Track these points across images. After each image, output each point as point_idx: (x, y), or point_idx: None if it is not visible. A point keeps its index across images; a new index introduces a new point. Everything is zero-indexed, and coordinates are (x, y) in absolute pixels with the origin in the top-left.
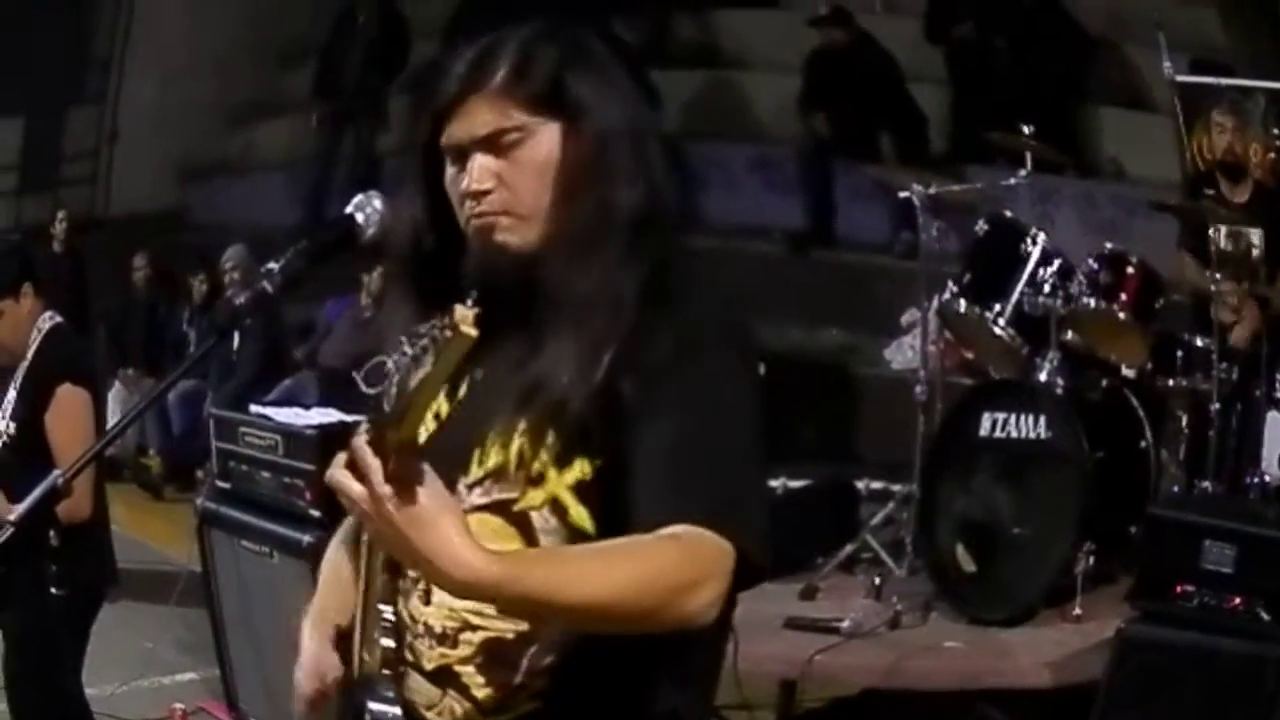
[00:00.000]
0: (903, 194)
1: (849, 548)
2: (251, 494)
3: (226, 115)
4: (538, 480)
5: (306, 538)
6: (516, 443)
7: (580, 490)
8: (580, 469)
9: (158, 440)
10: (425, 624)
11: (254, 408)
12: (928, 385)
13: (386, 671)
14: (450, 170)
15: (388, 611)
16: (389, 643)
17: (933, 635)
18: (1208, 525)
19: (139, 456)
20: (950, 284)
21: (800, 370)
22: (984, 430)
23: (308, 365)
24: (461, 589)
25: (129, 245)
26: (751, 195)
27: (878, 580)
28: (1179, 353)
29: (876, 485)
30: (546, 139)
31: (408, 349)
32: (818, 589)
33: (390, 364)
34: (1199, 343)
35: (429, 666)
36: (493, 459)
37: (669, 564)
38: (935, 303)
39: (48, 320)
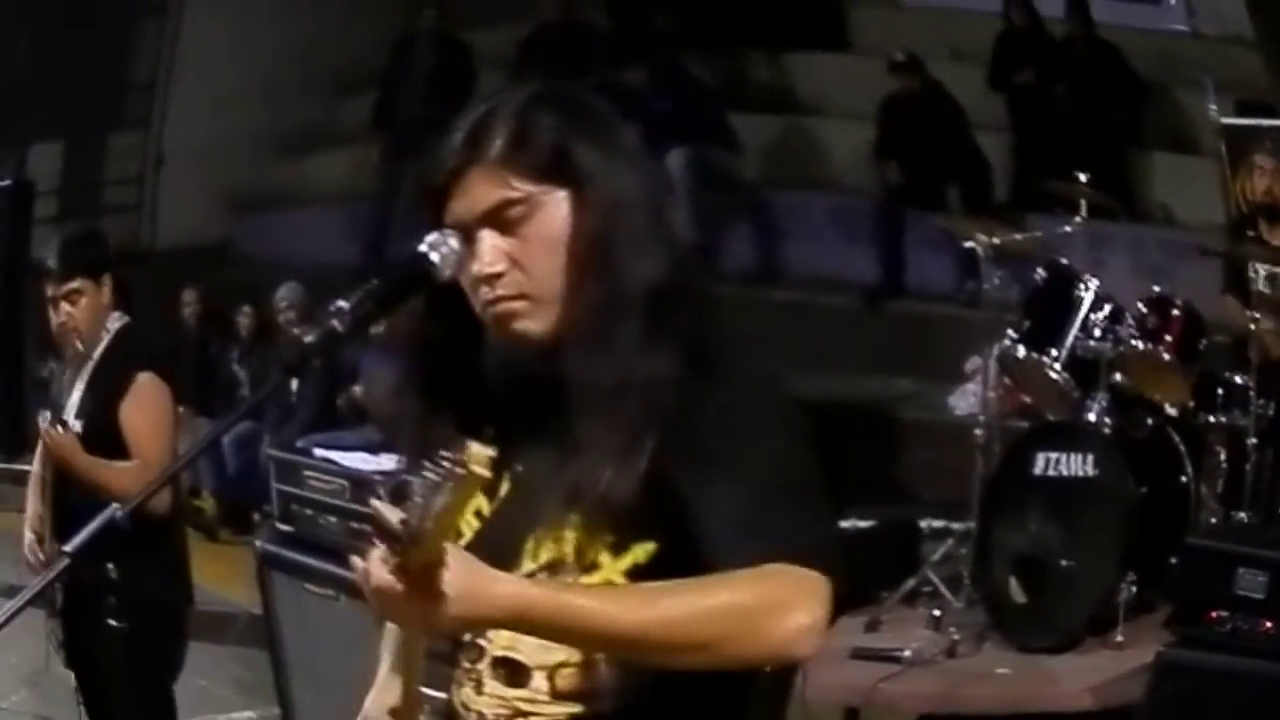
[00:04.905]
0: (967, 244)
1: (911, 582)
2: (316, 537)
3: (277, 145)
4: (591, 568)
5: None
6: (571, 538)
7: (633, 574)
8: (635, 555)
9: (211, 482)
10: (479, 713)
11: (318, 451)
12: (987, 429)
13: None
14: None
15: (438, 696)
16: None
17: (985, 663)
18: (1241, 553)
19: (191, 498)
20: (1010, 331)
21: (870, 418)
22: (1037, 469)
23: (350, 413)
24: (511, 619)
25: (176, 279)
26: (830, 247)
27: (937, 612)
28: (1219, 390)
29: (938, 524)
30: (555, 210)
31: (429, 474)
32: (881, 621)
33: (414, 485)
34: (1238, 380)
35: None
36: (546, 553)
37: (752, 589)
38: (996, 350)
39: (117, 320)
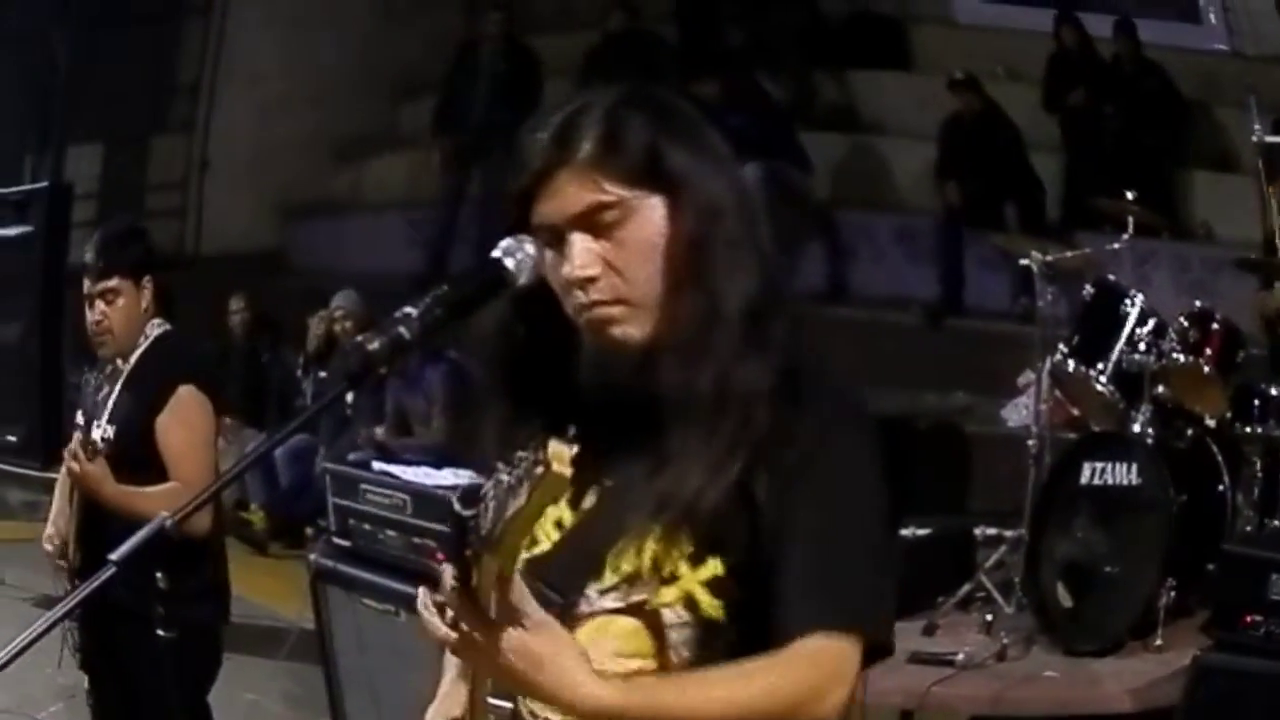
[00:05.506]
0: (1023, 262)
1: (965, 588)
2: (374, 552)
3: (331, 150)
4: (670, 579)
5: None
6: (650, 549)
7: (713, 585)
8: (714, 567)
9: (262, 494)
10: (546, 718)
11: (377, 464)
12: (1039, 440)
13: None
14: (548, 255)
15: (504, 705)
16: None
17: (1033, 666)
18: (1276, 560)
19: (239, 511)
20: (1061, 346)
21: (929, 431)
22: (1084, 479)
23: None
24: (590, 717)
25: (223, 286)
26: (894, 266)
27: (989, 617)
28: (1256, 402)
29: (991, 531)
30: (650, 215)
31: (504, 476)
32: (937, 626)
33: (487, 489)
34: (1274, 392)
35: None
36: (627, 566)
37: (797, 679)
38: (1048, 364)
39: (156, 327)
